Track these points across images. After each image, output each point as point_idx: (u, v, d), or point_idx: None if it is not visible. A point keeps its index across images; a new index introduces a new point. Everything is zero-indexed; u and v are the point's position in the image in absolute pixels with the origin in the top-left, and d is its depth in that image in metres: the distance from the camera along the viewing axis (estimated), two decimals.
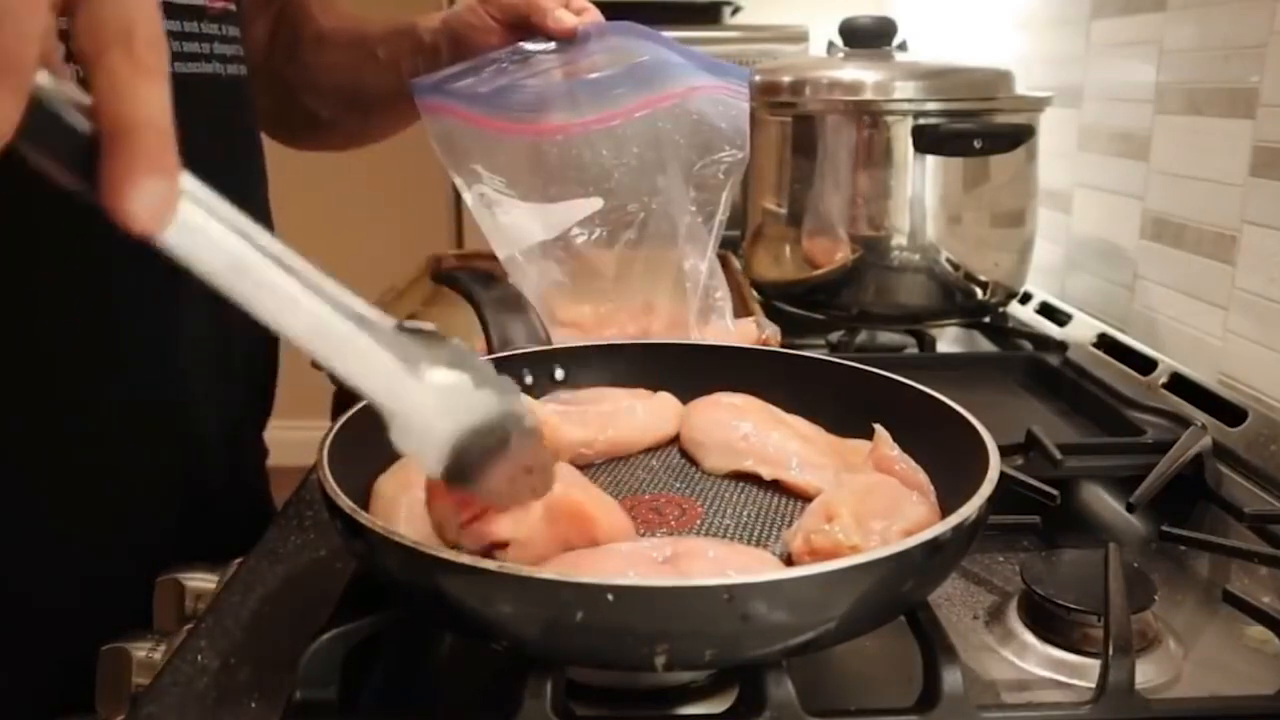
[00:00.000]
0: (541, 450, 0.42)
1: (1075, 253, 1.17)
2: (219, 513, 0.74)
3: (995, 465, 0.47)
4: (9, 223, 0.61)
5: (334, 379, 0.39)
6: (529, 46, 0.75)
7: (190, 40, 0.67)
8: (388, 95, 0.73)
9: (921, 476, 0.53)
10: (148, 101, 0.31)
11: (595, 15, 0.78)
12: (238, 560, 0.59)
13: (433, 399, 0.39)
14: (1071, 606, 0.50)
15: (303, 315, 0.35)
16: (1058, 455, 0.65)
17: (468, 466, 0.40)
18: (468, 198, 0.72)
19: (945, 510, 0.49)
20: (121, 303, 0.65)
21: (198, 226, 0.33)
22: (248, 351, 0.78)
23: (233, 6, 0.72)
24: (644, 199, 0.74)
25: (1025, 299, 1.15)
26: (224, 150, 0.72)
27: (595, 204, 0.74)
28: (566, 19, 0.75)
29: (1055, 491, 0.60)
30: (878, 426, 0.55)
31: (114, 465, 0.67)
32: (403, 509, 0.50)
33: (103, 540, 0.67)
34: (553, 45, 0.75)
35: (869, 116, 0.99)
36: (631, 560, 0.45)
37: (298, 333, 0.35)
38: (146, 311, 0.67)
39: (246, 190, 0.76)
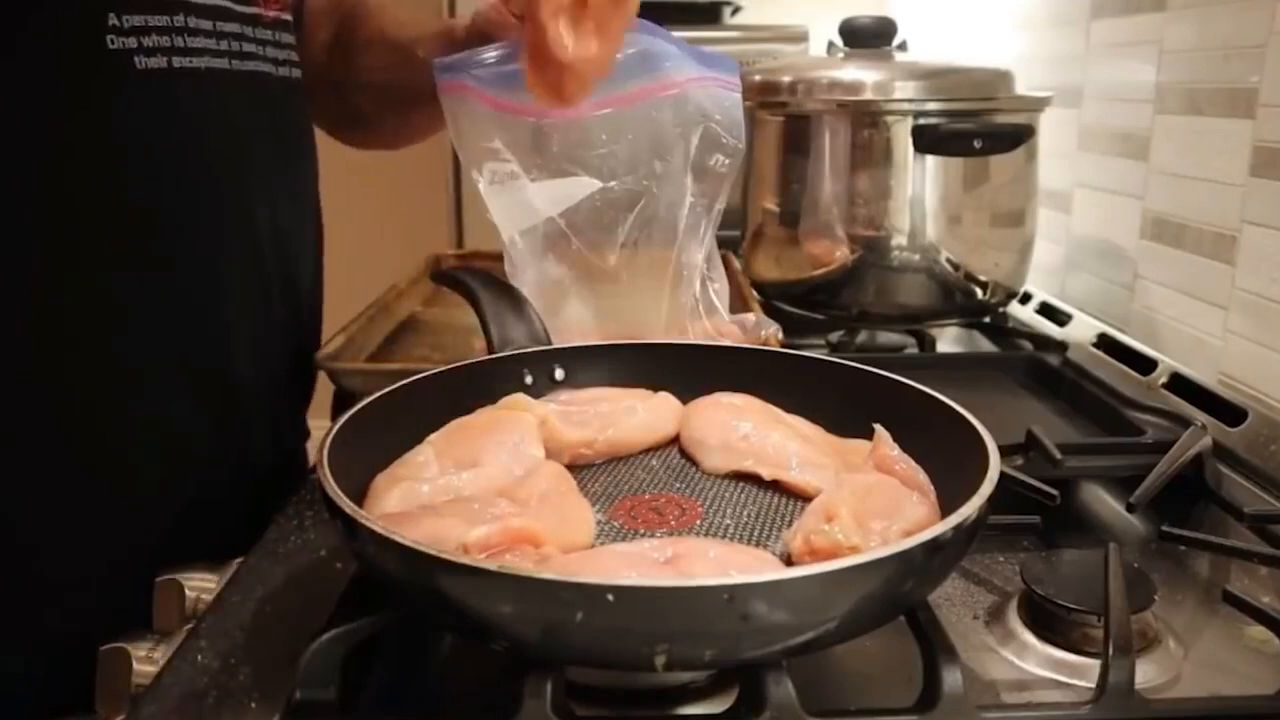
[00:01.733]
0: None
1: (1075, 253, 1.17)
2: (262, 491, 0.74)
3: (995, 465, 0.47)
4: (9, 227, 0.61)
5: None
6: None
7: (247, 42, 0.73)
8: (424, 93, 0.76)
9: (922, 476, 0.53)
10: None
11: None
12: (238, 560, 0.59)
13: None
14: (1071, 606, 0.50)
15: None
16: (1058, 455, 0.65)
17: None
18: (478, 178, 0.73)
19: (945, 510, 0.49)
20: (174, 277, 0.68)
21: None
22: (293, 332, 0.82)
23: (287, 16, 0.79)
24: (644, 184, 0.74)
25: (1025, 299, 1.15)
26: (276, 138, 0.77)
27: (593, 184, 0.74)
28: None
29: (1055, 491, 0.60)
30: (878, 426, 0.55)
31: (114, 464, 0.67)
32: (395, 495, 0.50)
33: (103, 540, 0.67)
34: None
35: (869, 116, 0.99)
36: (632, 560, 0.45)
37: None
38: (196, 286, 0.70)
39: (299, 181, 0.82)
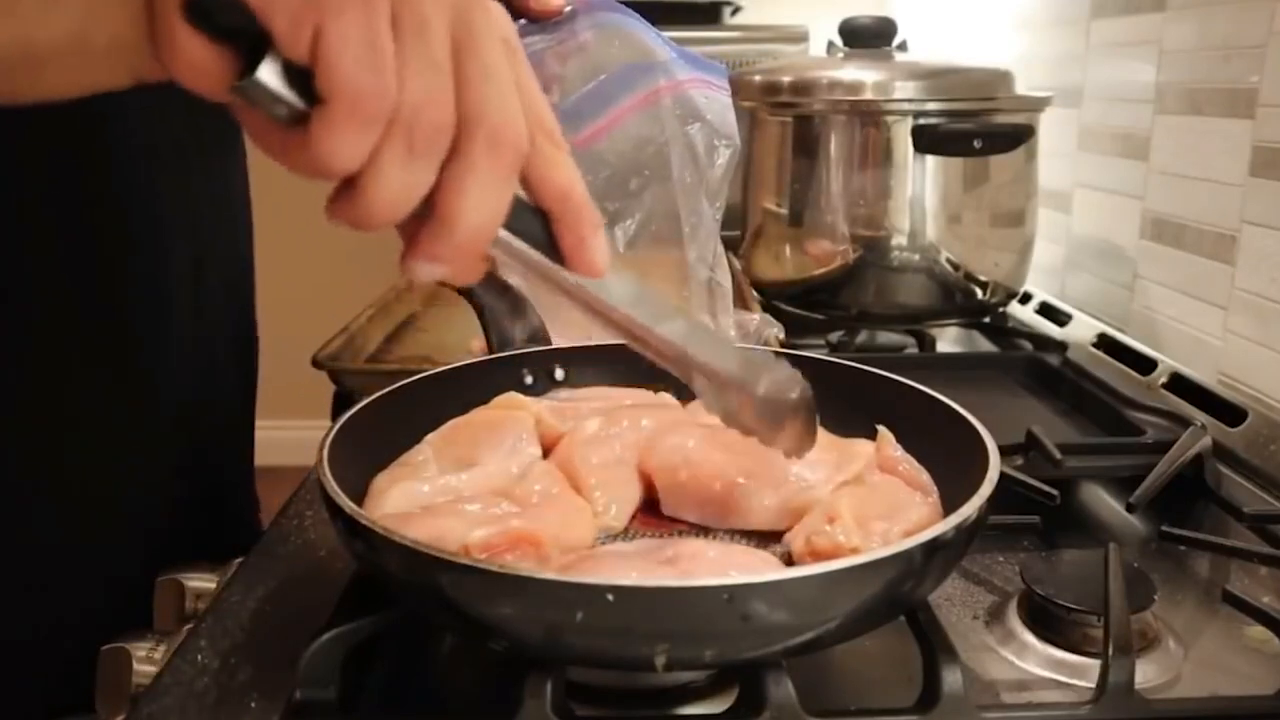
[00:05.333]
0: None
1: (1075, 253, 1.17)
2: (217, 511, 0.74)
3: (995, 465, 0.47)
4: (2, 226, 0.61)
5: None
6: (518, 24, 0.73)
7: None
8: None
9: (925, 477, 0.53)
10: (572, 169, 0.40)
11: None
12: (238, 560, 0.59)
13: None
14: (1071, 606, 0.50)
15: (679, 325, 0.44)
16: (1058, 455, 0.65)
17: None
18: None
19: (946, 511, 0.49)
20: (119, 306, 0.66)
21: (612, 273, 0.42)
22: (237, 348, 0.79)
23: None
24: (641, 187, 0.74)
25: (1025, 299, 1.15)
26: (208, 141, 0.73)
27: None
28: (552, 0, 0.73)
29: (1055, 491, 0.60)
30: (881, 427, 0.55)
31: (113, 465, 0.67)
32: (394, 495, 0.50)
33: (103, 540, 0.67)
34: (538, 26, 0.73)
35: (869, 116, 0.99)
36: (632, 560, 0.45)
37: (675, 337, 0.44)
38: (140, 306, 0.68)
39: (227, 181, 0.78)
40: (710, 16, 1.86)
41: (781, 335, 0.81)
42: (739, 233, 1.13)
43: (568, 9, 0.73)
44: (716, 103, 0.75)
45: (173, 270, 0.70)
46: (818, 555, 0.46)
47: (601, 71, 0.73)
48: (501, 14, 0.39)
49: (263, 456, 0.87)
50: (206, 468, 0.74)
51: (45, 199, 0.61)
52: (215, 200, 0.74)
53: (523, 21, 0.73)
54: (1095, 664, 0.46)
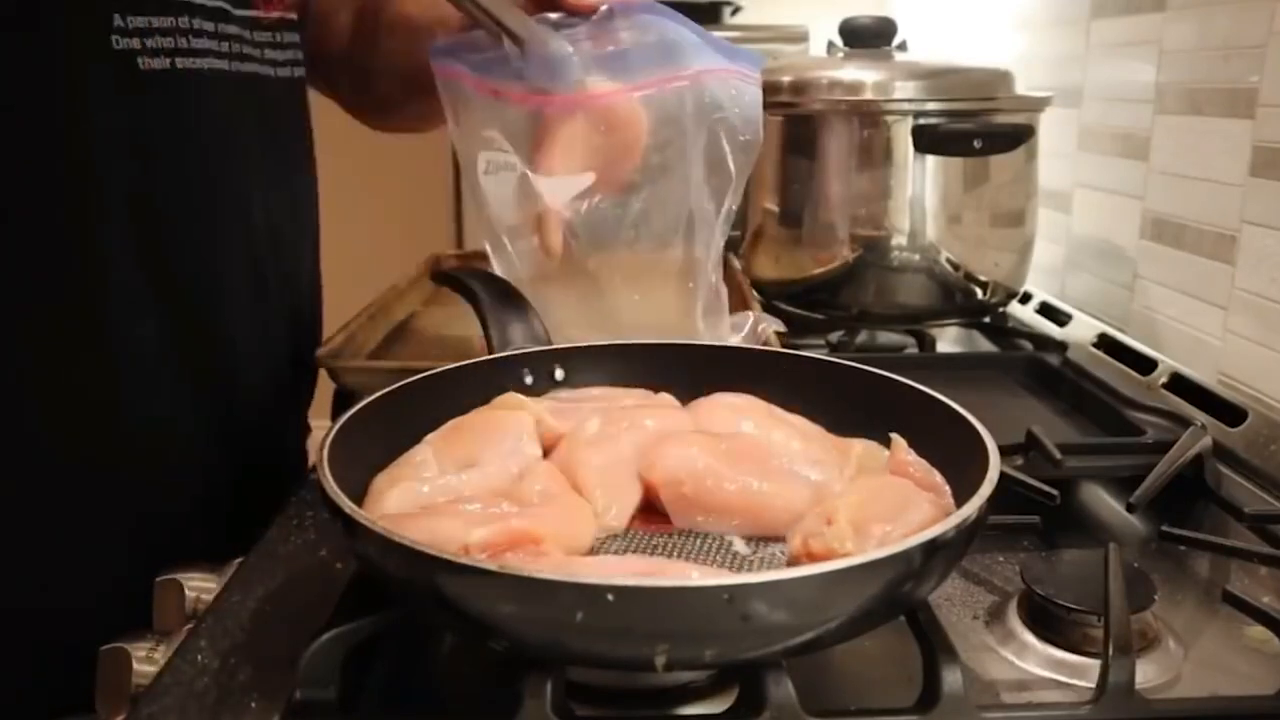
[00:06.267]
0: None
1: (1075, 253, 1.17)
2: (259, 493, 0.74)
3: (995, 465, 0.47)
4: (14, 225, 0.61)
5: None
6: (553, 17, 0.72)
7: (245, 44, 0.73)
8: None
9: (937, 478, 0.52)
10: None
11: None
12: (238, 560, 0.59)
13: None
14: (1071, 606, 0.50)
15: None
16: (1058, 455, 0.65)
17: None
18: (474, 165, 0.71)
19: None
20: (173, 275, 0.68)
21: None
22: (292, 334, 0.82)
23: (291, 15, 0.78)
24: (650, 177, 0.72)
25: (1025, 299, 1.15)
26: (273, 141, 0.77)
27: (589, 178, 0.72)
28: None
29: (1055, 491, 0.60)
30: (895, 435, 0.55)
31: (114, 464, 0.67)
32: (395, 495, 0.50)
33: (103, 540, 0.67)
34: (577, 20, 0.72)
35: (869, 116, 0.99)
36: (632, 560, 0.45)
37: None
38: (197, 286, 0.70)
39: (296, 183, 0.82)
40: (710, 16, 1.85)
41: (782, 329, 0.80)
42: (739, 233, 1.13)
43: (604, 8, 0.71)
44: (745, 95, 0.73)
45: (227, 248, 0.72)
46: (813, 557, 0.46)
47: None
48: None
49: None
50: (214, 466, 0.74)
51: (120, 162, 0.64)
52: (277, 188, 0.78)
53: (559, 15, 0.72)
54: (1095, 664, 0.46)
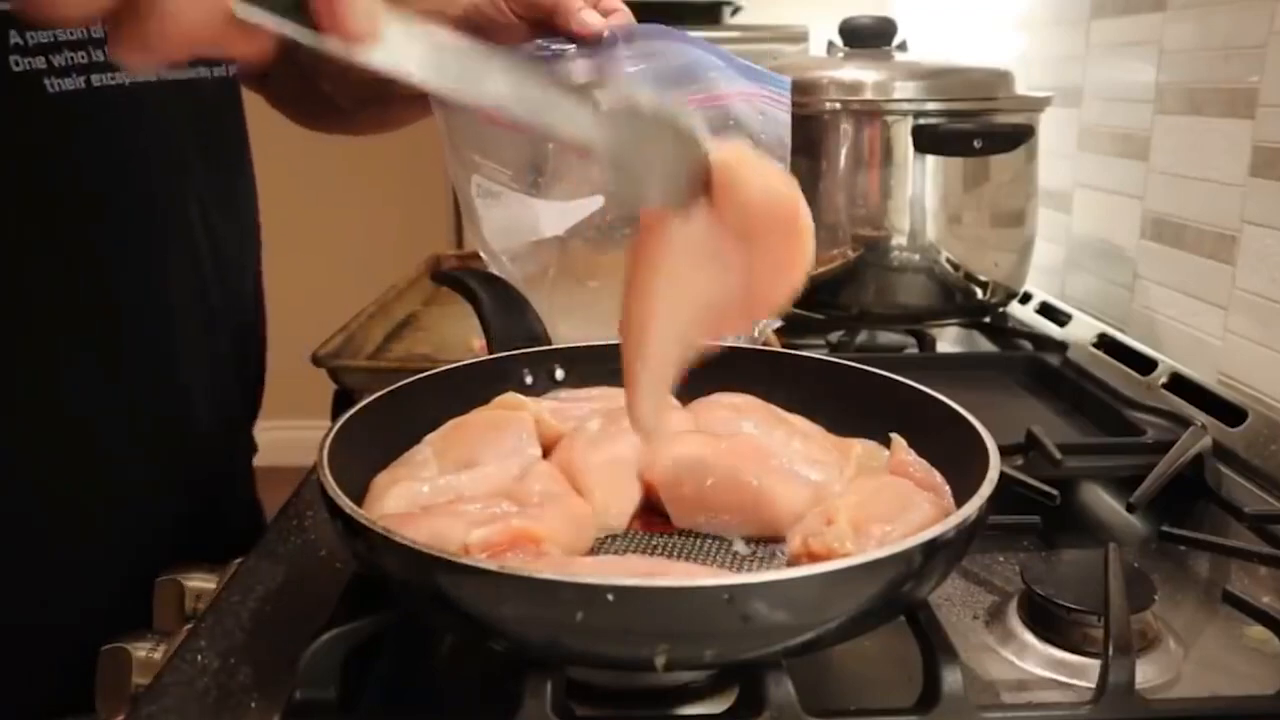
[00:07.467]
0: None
1: (1075, 253, 1.17)
2: (216, 511, 0.74)
3: (995, 465, 0.47)
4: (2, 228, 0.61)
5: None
6: (555, 46, 0.69)
7: None
8: (406, 89, 0.72)
9: (937, 478, 0.52)
10: None
11: (626, 16, 0.71)
12: (238, 560, 0.59)
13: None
14: (1071, 606, 0.50)
15: (502, 83, 0.41)
16: (1058, 455, 0.65)
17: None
18: (467, 187, 0.70)
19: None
20: (119, 305, 0.66)
21: (399, 34, 0.38)
22: (238, 351, 0.78)
23: None
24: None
25: (1025, 299, 1.15)
26: (213, 153, 0.73)
27: (596, 202, 0.71)
28: (592, 21, 0.68)
29: (1055, 491, 0.60)
30: (895, 435, 0.55)
31: (113, 466, 0.67)
32: (394, 495, 0.50)
33: (103, 541, 0.67)
34: (576, 48, 0.69)
35: (869, 116, 0.99)
36: (632, 560, 0.45)
37: (503, 100, 0.41)
38: (144, 313, 0.68)
39: (239, 197, 0.77)
40: (710, 16, 1.85)
41: (780, 323, 0.80)
42: None
43: (607, 34, 0.69)
44: (772, 119, 0.70)
45: (175, 271, 0.70)
46: (813, 557, 0.46)
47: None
48: None
49: (263, 456, 0.87)
50: (207, 469, 0.74)
51: (48, 198, 0.61)
52: (220, 201, 0.74)
53: (564, 44, 0.69)
54: (1095, 664, 0.46)
